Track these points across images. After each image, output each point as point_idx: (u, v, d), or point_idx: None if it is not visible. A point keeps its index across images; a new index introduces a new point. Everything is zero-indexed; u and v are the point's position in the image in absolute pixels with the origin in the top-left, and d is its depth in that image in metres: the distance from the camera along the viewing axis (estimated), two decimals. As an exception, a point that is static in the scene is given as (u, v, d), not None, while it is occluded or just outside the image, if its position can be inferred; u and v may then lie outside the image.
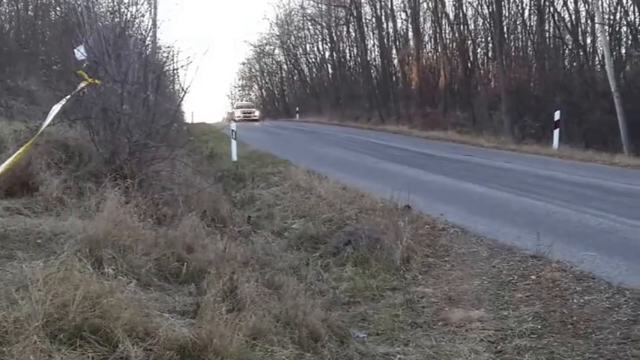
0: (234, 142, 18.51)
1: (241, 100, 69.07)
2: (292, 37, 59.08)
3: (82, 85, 8.22)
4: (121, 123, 9.18)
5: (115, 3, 18.15)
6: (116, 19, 15.78)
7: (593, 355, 4.91)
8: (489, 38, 34.18)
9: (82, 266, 4.72)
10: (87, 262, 4.93)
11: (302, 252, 8.21)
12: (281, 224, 9.85)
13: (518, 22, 32.95)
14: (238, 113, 51.12)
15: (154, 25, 19.41)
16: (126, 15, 16.91)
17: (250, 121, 47.64)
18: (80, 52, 9.53)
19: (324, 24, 52.13)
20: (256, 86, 71.84)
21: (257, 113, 53.17)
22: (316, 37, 55.69)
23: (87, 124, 9.58)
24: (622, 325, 5.42)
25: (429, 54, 40.76)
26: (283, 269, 7.13)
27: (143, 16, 19.11)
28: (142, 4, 19.41)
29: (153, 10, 20.49)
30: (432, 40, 40.36)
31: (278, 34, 60.42)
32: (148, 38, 17.34)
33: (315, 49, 57.06)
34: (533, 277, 6.75)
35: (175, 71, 16.35)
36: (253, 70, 70.33)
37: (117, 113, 9.16)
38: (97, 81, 8.64)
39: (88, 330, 4.03)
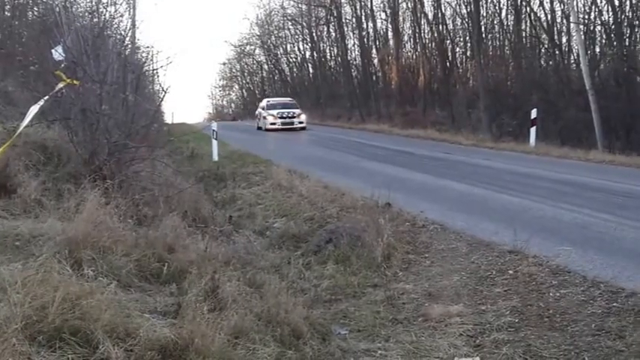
0: (214, 142, 18.47)
1: (269, 95, 48.08)
2: (273, 37, 58.97)
3: (61, 85, 8.19)
4: (100, 123, 9.15)
5: (94, 3, 18.03)
6: (95, 19, 15.69)
7: (569, 347, 5.00)
8: (467, 38, 34.38)
9: (61, 268, 4.72)
10: (66, 264, 4.94)
11: (284, 251, 8.26)
12: (263, 223, 9.88)
13: (495, 22, 33.18)
14: (271, 118, 31.68)
15: (133, 25, 19.38)
16: (104, 15, 16.85)
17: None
18: (58, 53, 9.49)
19: (304, 24, 52.05)
20: (237, 86, 71.61)
21: (303, 117, 32.39)
22: (297, 37, 55.68)
23: (65, 124, 9.54)
24: (597, 317, 5.53)
25: (409, 53, 40.96)
26: (265, 268, 7.18)
27: (122, 16, 19.07)
28: (120, 4, 19.34)
29: (132, 10, 20.45)
30: (412, 39, 40.55)
31: (258, 34, 60.29)
32: (127, 38, 17.32)
33: (296, 48, 57.08)
34: (510, 271, 6.84)
35: (155, 71, 16.36)
36: (234, 70, 70.12)
37: (96, 114, 9.13)
38: (75, 81, 8.61)
39: (67, 332, 4.04)
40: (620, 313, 5.58)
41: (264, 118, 32.32)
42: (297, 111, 32.62)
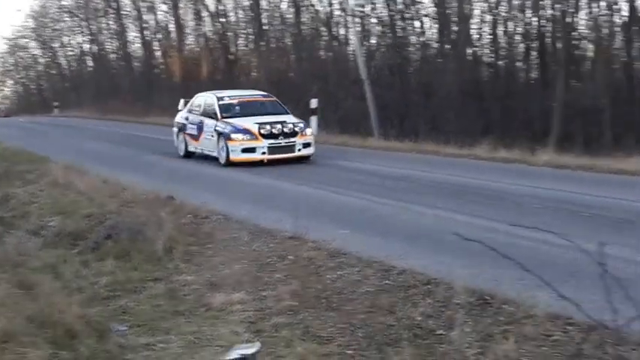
0: (-18, 140, 17.22)
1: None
2: (48, 29, 55.90)
3: None
4: None
5: None
6: None
7: (344, 325, 5.21)
8: (249, 30, 34.82)
9: None
10: None
11: (60, 250, 7.88)
12: (37, 222, 9.36)
13: (276, 14, 33.86)
14: (242, 138, 14.40)
15: None
16: None
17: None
18: None
19: (81, 16, 49.97)
20: (11, 81, 67.09)
21: (310, 133, 15.64)
22: (74, 29, 53.21)
23: None
24: (370, 295, 5.82)
25: (191, 45, 40.72)
26: (38, 269, 6.82)
27: None
28: None
29: None
30: (194, 31, 40.35)
31: (33, 26, 56.88)
32: None
33: (74, 41, 54.56)
34: (290, 257, 7.02)
35: None
36: (7, 65, 65.61)
37: None
38: None
39: None
40: (391, 290, 5.91)
41: (226, 138, 14.64)
42: (294, 120, 15.82)
